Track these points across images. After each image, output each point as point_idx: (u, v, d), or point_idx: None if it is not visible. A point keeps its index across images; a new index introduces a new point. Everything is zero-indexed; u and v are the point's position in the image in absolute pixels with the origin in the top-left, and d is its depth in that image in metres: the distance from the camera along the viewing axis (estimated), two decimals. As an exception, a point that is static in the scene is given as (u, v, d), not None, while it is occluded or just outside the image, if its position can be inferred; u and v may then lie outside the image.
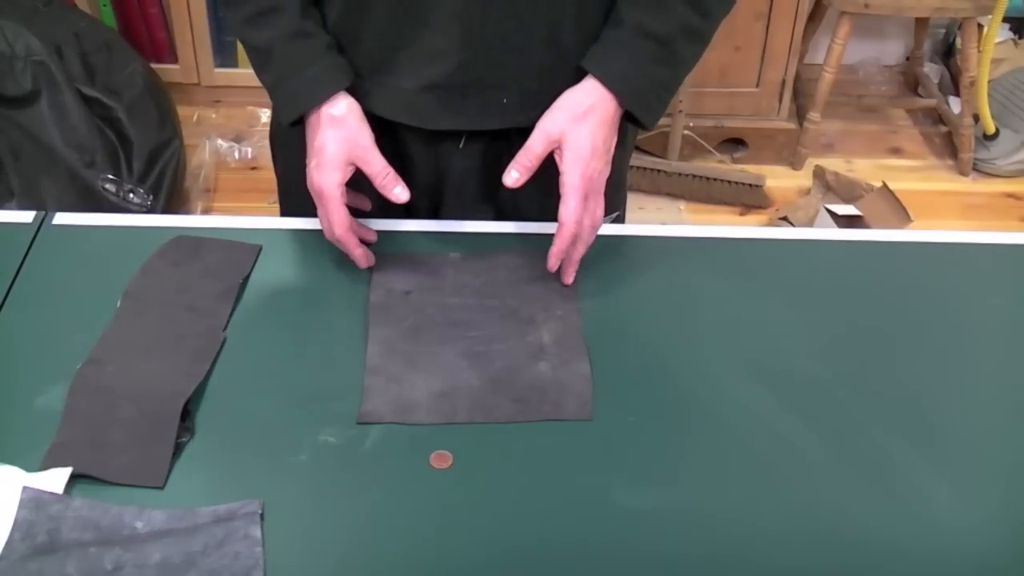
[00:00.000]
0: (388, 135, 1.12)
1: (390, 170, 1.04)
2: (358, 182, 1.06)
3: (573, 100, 1.02)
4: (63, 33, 2.33)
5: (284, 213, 1.26)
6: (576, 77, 1.04)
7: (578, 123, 1.01)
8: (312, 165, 1.04)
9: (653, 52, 1.03)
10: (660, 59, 1.04)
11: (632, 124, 1.09)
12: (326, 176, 1.03)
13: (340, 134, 1.03)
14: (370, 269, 1.07)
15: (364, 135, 1.04)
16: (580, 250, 1.05)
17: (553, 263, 1.04)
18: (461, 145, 1.14)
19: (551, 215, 1.14)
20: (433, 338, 1.00)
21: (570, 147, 1.01)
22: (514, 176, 1.02)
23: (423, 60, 1.06)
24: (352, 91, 1.06)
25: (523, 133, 1.10)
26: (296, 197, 1.13)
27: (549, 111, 1.03)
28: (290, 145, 1.14)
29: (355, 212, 1.12)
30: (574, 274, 1.06)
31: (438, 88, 1.07)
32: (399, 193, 1.04)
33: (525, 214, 1.15)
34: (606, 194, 1.24)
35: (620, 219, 1.26)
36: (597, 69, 1.03)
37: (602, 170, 1.03)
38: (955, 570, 0.83)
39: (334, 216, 1.03)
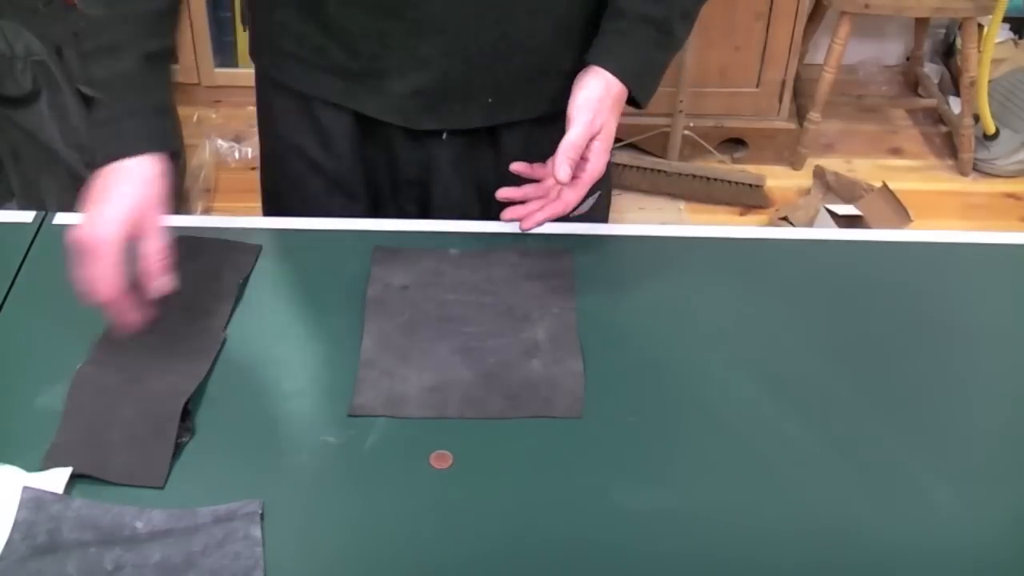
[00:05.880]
0: (375, 132, 1.15)
1: (166, 255, 0.93)
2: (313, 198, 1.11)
3: (597, 91, 1.03)
4: (63, 33, 2.33)
5: (264, 193, 1.27)
6: (558, 78, 1.07)
7: (612, 113, 1.04)
8: (92, 209, 0.91)
9: (654, 37, 1.06)
10: (660, 43, 1.07)
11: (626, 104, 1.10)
12: (104, 228, 0.89)
13: (140, 191, 0.93)
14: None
15: (160, 207, 0.94)
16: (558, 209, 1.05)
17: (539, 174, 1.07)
18: (444, 137, 1.15)
19: None
20: (428, 333, 1.00)
21: (603, 136, 1.03)
22: (568, 171, 1.00)
23: (411, 67, 1.08)
24: (170, 157, 0.97)
25: (508, 126, 1.13)
26: (276, 177, 1.19)
27: (582, 104, 1.02)
28: (271, 115, 1.17)
29: (345, 210, 1.16)
30: (535, 222, 1.06)
31: (425, 93, 1.10)
32: (162, 284, 0.92)
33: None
34: None
35: (604, 199, 1.25)
36: (608, 64, 1.04)
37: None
38: (956, 570, 0.83)
39: (102, 273, 0.89)
